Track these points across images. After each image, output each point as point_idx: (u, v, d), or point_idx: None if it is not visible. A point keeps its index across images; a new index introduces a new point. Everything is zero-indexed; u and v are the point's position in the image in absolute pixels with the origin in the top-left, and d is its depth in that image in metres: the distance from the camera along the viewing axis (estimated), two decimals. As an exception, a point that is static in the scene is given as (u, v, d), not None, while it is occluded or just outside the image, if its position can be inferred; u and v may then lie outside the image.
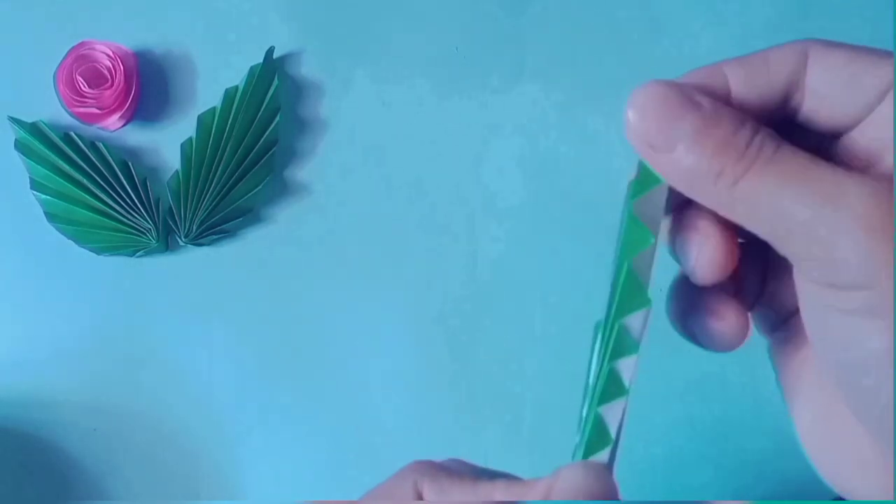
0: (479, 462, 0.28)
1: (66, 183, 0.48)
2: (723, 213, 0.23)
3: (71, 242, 0.49)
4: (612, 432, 0.25)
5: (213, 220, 0.49)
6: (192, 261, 0.50)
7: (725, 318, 0.25)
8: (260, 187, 0.50)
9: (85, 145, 0.49)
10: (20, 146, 0.48)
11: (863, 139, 0.24)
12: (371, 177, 0.51)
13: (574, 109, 0.51)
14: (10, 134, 0.49)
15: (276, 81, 0.50)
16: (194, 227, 0.49)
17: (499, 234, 0.50)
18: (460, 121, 0.51)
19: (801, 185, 0.22)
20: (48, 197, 0.48)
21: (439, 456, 0.28)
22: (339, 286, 0.50)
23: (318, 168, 0.51)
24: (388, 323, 0.50)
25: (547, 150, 0.51)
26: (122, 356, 0.49)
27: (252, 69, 0.50)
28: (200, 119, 0.49)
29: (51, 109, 0.49)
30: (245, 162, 0.49)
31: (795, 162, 0.22)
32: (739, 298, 0.26)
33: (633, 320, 0.24)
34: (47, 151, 0.48)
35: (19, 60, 0.50)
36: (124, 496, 0.48)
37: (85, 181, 0.48)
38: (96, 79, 0.48)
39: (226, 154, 0.49)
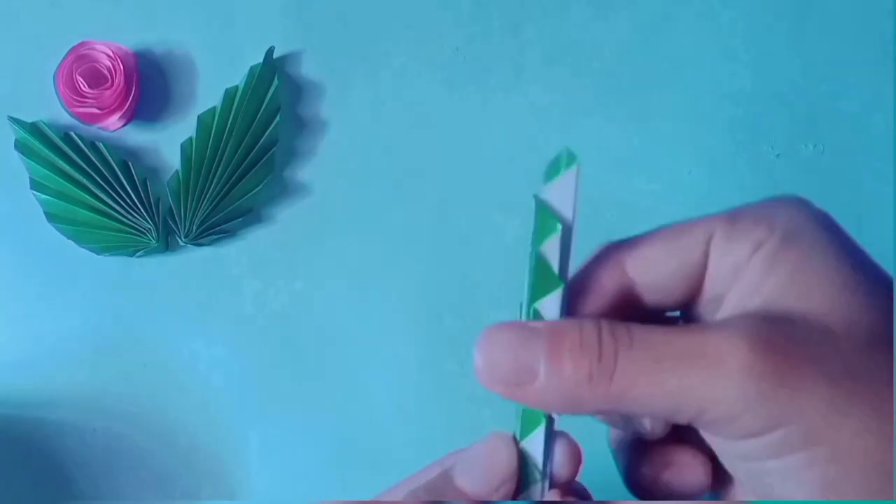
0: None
1: (66, 183, 0.48)
2: (611, 412, 0.23)
3: (71, 242, 0.49)
4: (539, 462, 0.26)
5: (213, 220, 0.49)
6: (192, 261, 0.50)
7: (684, 468, 0.25)
8: (260, 187, 0.50)
9: (85, 145, 0.49)
10: (20, 146, 0.48)
11: (708, 298, 0.25)
12: (371, 177, 0.51)
13: (574, 109, 0.51)
14: (10, 134, 0.49)
15: (276, 81, 0.50)
16: (194, 227, 0.49)
17: (499, 234, 0.50)
18: (460, 121, 0.51)
19: (670, 362, 0.22)
20: (48, 197, 0.48)
21: (439, 455, 0.28)
22: (339, 286, 0.50)
23: (318, 168, 0.51)
24: (388, 323, 0.50)
25: (547, 150, 0.51)
26: (122, 356, 0.49)
27: (252, 69, 0.50)
28: (200, 119, 0.49)
29: (51, 109, 0.49)
30: (245, 162, 0.49)
31: (653, 340, 0.22)
32: (694, 446, 0.26)
33: (546, 304, 0.25)
34: (47, 151, 0.48)
35: (19, 60, 0.50)
36: (124, 496, 0.48)
37: (85, 181, 0.48)
38: (96, 79, 0.48)
39: (226, 154, 0.49)
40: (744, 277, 0.24)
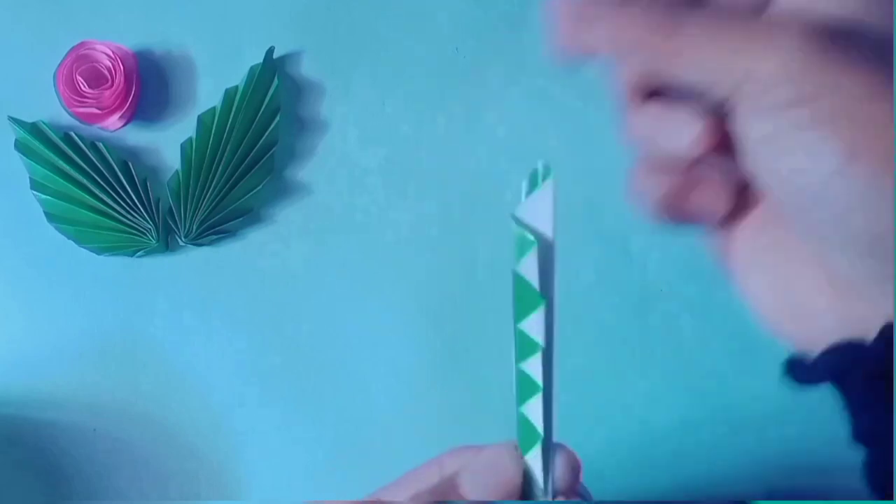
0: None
1: (66, 183, 0.48)
2: (665, 66, 0.24)
3: (71, 242, 0.49)
4: (539, 427, 0.27)
5: (213, 220, 0.49)
6: (192, 261, 0.50)
7: (709, 186, 0.26)
8: (260, 187, 0.50)
9: (85, 145, 0.49)
10: (20, 146, 0.48)
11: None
12: (371, 177, 0.51)
13: (574, 109, 0.51)
14: (10, 134, 0.49)
15: (276, 81, 0.50)
16: (194, 227, 0.49)
17: (499, 234, 0.50)
18: (460, 121, 0.51)
19: (732, 31, 0.23)
20: (48, 197, 0.48)
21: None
22: (339, 286, 0.50)
23: (318, 168, 0.51)
24: (388, 323, 0.50)
25: (547, 151, 0.51)
26: (122, 356, 0.49)
27: (252, 69, 0.50)
28: (200, 119, 0.49)
29: (51, 109, 0.49)
30: (245, 162, 0.49)
31: (721, 14, 0.24)
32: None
33: (530, 323, 0.25)
34: (47, 151, 0.48)
35: (19, 60, 0.50)
36: (124, 496, 0.48)
37: (85, 181, 0.48)
38: (96, 79, 0.48)
39: (226, 154, 0.49)
40: None
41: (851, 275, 0.23)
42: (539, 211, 0.26)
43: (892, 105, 0.22)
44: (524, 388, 0.26)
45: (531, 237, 0.25)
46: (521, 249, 0.25)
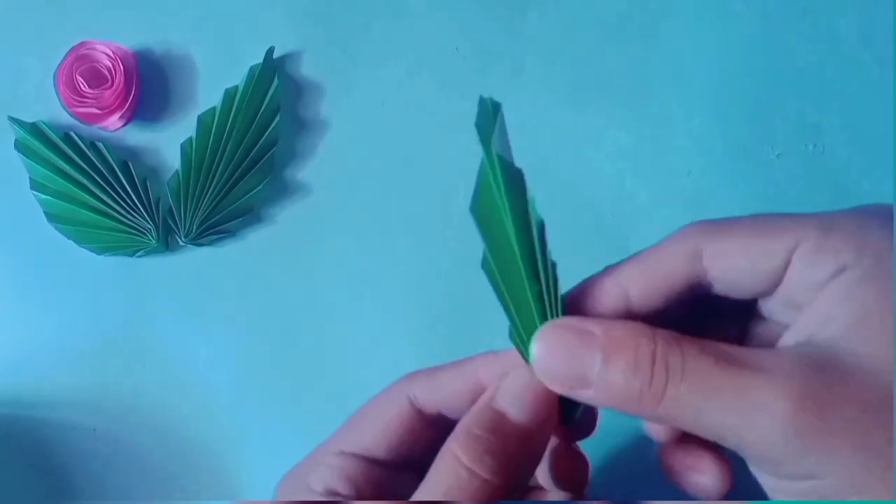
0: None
1: (66, 183, 0.48)
2: (653, 421, 0.24)
3: (71, 242, 0.49)
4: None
5: (213, 220, 0.49)
6: (192, 261, 0.50)
7: (704, 472, 0.27)
8: (260, 187, 0.50)
9: (85, 145, 0.49)
10: (20, 146, 0.48)
11: (779, 300, 0.25)
12: (371, 177, 0.51)
13: (574, 110, 0.51)
14: (10, 134, 0.49)
15: (276, 81, 0.50)
16: (194, 227, 0.49)
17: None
18: (460, 121, 0.51)
19: (717, 399, 0.22)
20: (48, 197, 0.48)
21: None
22: (339, 286, 0.50)
23: (318, 168, 0.51)
24: (388, 323, 0.50)
25: (547, 151, 0.51)
26: (122, 356, 0.49)
27: (252, 69, 0.50)
28: (200, 119, 0.49)
29: (51, 109, 0.49)
30: (245, 162, 0.49)
31: (705, 372, 0.23)
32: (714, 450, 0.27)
33: None
34: (47, 151, 0.48)
35: (19, 60, 0.50)
36: (124, 496, 0.48)
37: (85, 181, 0.48)
38: (96, 79, 0.48)
39: (226, 154, 0.49)
40: (820, 302, 0.23)
41: None
42: (504, 142, 0.28)
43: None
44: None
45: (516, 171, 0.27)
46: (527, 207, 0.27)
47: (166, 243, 0.49)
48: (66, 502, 0.48)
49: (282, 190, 0.51)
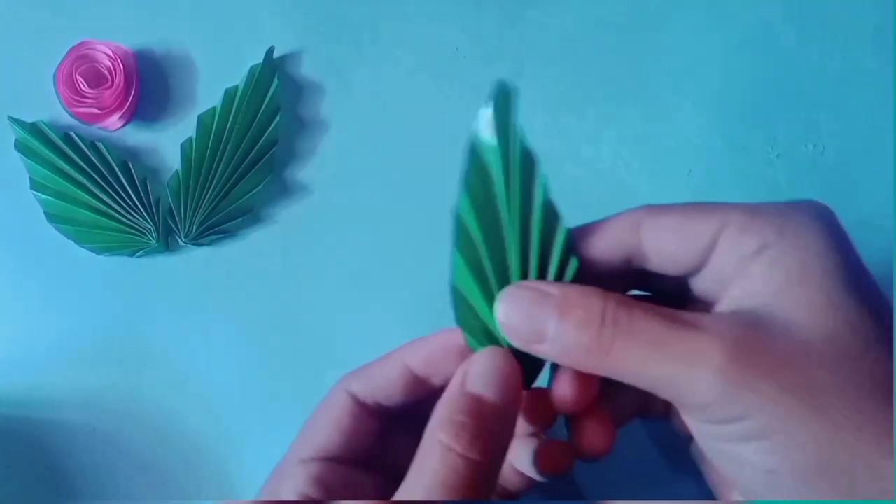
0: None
1: (66, 183, 0.48)
2: (601, 374, 0.27)
3: (71, 242, 0.49)
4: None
5: (213, 220, 0.49)
6: (192, 261, 0.50)
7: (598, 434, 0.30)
8: (260, 187, 0.50)
9: (85, 145, 0.49)
10: (20, 146, 0.48)
11: (708, 278, 0.28)
12: (371, 177, 0.51)
13: (574, 109, 0.51)
14: (10, 134, 0.49)
15: (276, 81, 0.50)
16: (194, 227, 0.49)
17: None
18: (461, 121, 0.51)
19: (660, 353, 0.25)
20: (48, 197, 0.48)
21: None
22: (339, 286, 0.50)
23: (318, 168, 0.51)
24: (388, 323, 0.50)
25: (547, 151, 0.51)
26: (122, 356, 0.49)
27: (252, 69, 0.50)
28: (200, 119, 0.49)
29: (51, 109, 0.49)
30: (245, 162, 0.49)
31: (650, 329, 0.25)
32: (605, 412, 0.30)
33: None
34: (47, 151, 0.48)
35: (19, 60, 0.50)
36: (124, 496, 0.48)
37: (85, 181, 0.48)
38: (96, 79, 0.48)
39: (226, 154, 0.49)
40: (746, 275, 0.26)
41: None
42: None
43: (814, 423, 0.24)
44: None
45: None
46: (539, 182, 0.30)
47: (166, 243, 0.49)
48: (66, 502, 0.48)
49: (282, 190, 0.51)
